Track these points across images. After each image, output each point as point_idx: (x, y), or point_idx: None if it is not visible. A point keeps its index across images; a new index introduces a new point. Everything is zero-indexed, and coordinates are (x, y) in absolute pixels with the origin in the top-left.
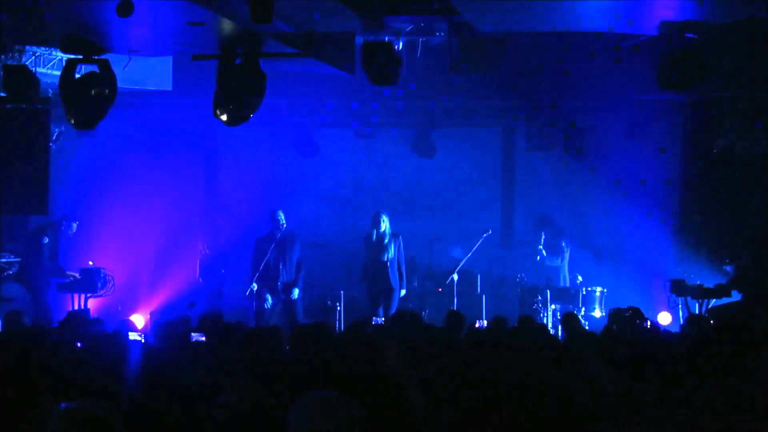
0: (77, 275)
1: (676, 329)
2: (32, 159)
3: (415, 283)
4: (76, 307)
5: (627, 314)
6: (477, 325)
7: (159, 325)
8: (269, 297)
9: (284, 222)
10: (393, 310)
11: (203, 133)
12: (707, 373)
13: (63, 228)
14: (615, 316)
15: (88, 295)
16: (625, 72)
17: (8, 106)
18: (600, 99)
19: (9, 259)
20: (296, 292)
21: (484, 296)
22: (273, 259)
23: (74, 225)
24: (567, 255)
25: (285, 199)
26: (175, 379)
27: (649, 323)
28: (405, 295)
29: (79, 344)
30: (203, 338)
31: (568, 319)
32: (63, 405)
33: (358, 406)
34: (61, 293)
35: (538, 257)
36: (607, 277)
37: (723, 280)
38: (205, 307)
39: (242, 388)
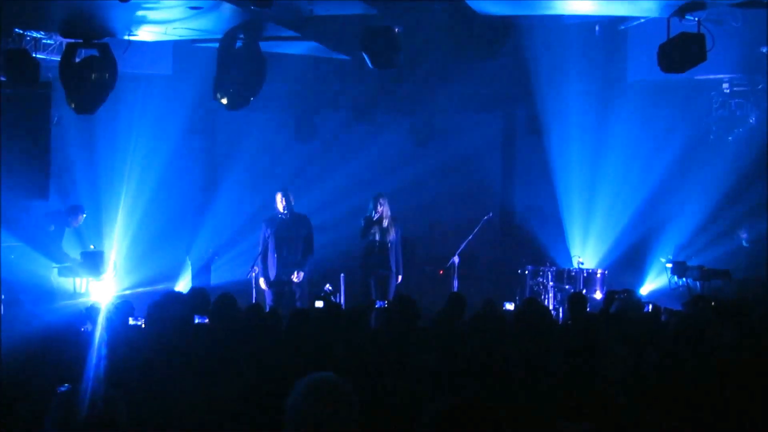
0: (79, 259)
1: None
2: (33, 144)
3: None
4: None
5: (622, 296)
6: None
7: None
8: (268, 279)
9: (291, 204)
10: (391, 295)
11: (203, 117)
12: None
13: (70, 219)
14: (611, 297)
15: (90, 279)
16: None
17: (8, 90)
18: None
19: (10, 244)
20: (297, 275)
21: (484, 279)
22: (276, 242)
23: (81, 217)
24: None
25: (284, 183)
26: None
27: (651, 306)
28: (402, 281)
29: None
30: (206, 321)
31: (576, 300)
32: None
33: (354, 389)
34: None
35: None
36: (607, 259)
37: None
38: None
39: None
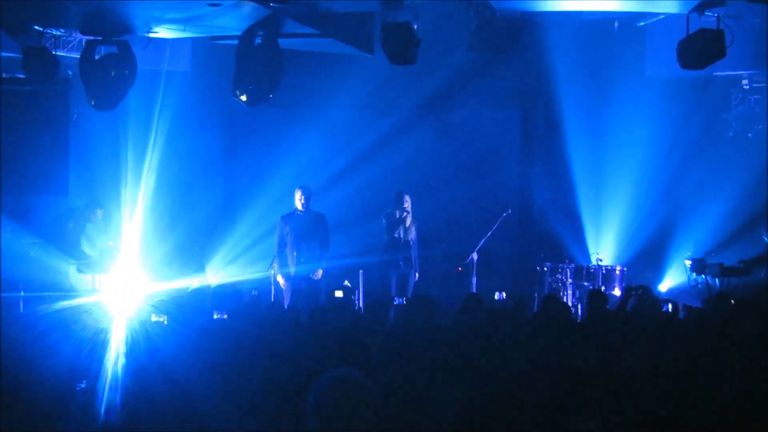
0: (97, 255)
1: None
2: (52, 140)
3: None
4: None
5: (638, 292)
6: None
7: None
8: (287, 276)
9: (309, 201)
10: (410, 292)
11: (222, 113)
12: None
13: (87, 215)
14: (627, 294)
15: (103, 275)
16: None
17: (28, 87)
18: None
19: (30, 241)
20: (315, 272)
21: (503, 276)
22: (294, 239)
23: (99, 212)
24: None
25: (303, 180)
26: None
27: (671, 306)
28: (419, 278)
29: None
30: (225, 316)
31: (595, 297)
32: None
33: (374, 385)
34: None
35: None
36: (626, 256)
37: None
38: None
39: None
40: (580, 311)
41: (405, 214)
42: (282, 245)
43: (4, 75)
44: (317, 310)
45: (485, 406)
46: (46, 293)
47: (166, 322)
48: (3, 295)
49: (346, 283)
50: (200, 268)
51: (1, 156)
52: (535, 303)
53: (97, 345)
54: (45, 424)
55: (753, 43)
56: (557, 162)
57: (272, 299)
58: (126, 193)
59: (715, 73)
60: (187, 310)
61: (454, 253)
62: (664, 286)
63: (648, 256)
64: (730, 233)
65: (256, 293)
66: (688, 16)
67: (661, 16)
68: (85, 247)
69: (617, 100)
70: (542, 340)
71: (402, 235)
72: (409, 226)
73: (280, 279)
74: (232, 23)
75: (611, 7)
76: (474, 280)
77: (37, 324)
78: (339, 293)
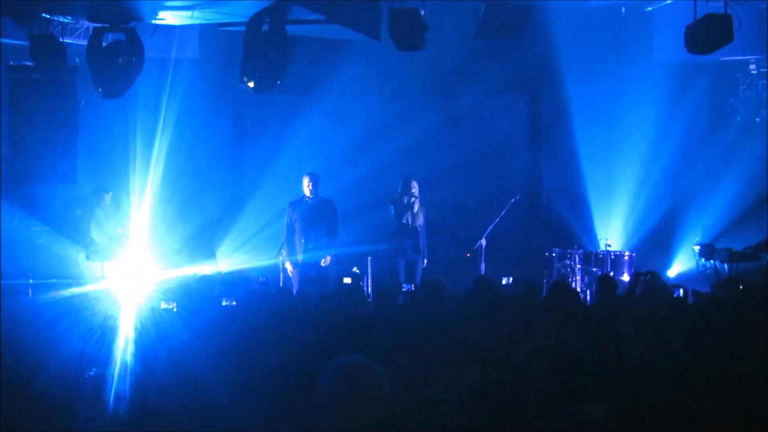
0: (106, 242)
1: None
2: (60, 128)
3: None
4: (102, 274)
5: (646, 278)
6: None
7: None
8: (295, 263)
9: (317, 187)
10: (418, 278)
11: (230, 99)
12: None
13: (96, 200)
14: (636, 279)
15: (114, 262)
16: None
17: (36, 75)
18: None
19: (38, 228)
20: (323, 259)
21: (511, 261)
22: (302, 225)
23: (107, 196)
24: None
25: (311, 166)
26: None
27: (682, 291)
28: (427, 264)
29: None
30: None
31: (604, 282)
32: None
33: (383, 371)
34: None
35: None
36: (634, 242)
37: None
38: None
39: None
40: (588, 297)
41: (413, 200)
42: (291, 232)
43: (11, 63)
44: (326, 296)
45: (494, 391)
46: (54, 280)
47: (175, 309)
48: (12, 282)
49: (354, 269)
50: (211, 254)
51: (10, 144)
52: (544, 289)
53: (106, 332)
54: (55, 410)
55: (760, 28)
56: (565, 147)
57: (281, 285)
58: (135, 181)
59: (722, 58)
60: (196, 297)
61: (462, 240)
62: (672, 271)
63: (656, 241)
64: (739, 218)
65: (264, 279)
66: (695, 1)
67: (669, 2)
68: (95, 234)
69: (624, 86)
70: (552, 326)
71: (410, 221)
72: (417, 212)
73: (288, 266)
74: (239, 9)
75: None
76: (482, 266)
77: (46, 311)
78: (347, 280)
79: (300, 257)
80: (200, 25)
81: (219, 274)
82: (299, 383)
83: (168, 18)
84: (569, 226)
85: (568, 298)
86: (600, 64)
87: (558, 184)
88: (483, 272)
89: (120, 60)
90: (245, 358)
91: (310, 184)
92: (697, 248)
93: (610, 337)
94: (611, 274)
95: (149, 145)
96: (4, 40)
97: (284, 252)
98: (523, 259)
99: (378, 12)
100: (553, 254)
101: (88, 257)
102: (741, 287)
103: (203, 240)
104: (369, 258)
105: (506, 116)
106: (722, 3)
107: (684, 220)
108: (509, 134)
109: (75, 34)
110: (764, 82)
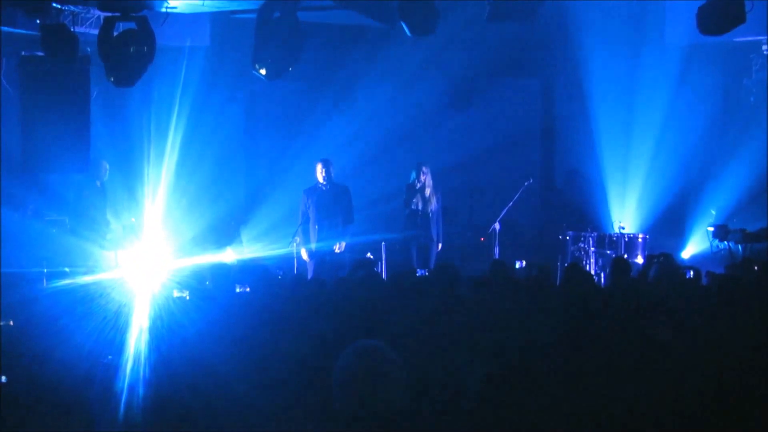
0: (119, 231)
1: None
2: (72, 118)
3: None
4: (116, 263)
5: (660, 259)
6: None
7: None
8: (310, 250)
9: (330, 173)
10: (432, 263)
11: (242, 87)
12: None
13: (96, 174)
14: (650, 261)
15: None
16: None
17: (48, 65)
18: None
19: (55, 218)
20: (338, 245)
21: (525, 245)
22: (317, 212)
23: (105, 166)
24: None
25: (324, 153)
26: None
27: (692, 272)
28: (442, 248)
29: None
30: (247, 289)
31: (619, 265)
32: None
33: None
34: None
35: None
36: (648, 224)
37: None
38: None
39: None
40: (603, 280)
41: (420, 185)
42: (305, 219)
43: (23, 53)
44: (341, 281)
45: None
46: (68, 269)
47: (188, 298)
48: (27, 270)
49: (368, 255)
50: (238, 240)
51: (22, 133)
52: (558, 272)
53: (120, 320)
54: (71, 395)
55: None
56: (578, 131)
57: (295, 272)
58: (149, 170)
59: (735, 39)
60: (209, 285)
61: (476, 225)
62: (686, 253)
63: (670, 223)
64: (753, 199)
65: (281, 275)
66: None
67: None
68: (110, 219)
69: (637, 67)
70: (568, 310)
71: (421, 207)
72: (429, 196)
73: (303, 253)
74: None
75: None
76: (497, 250)
77: (60, 299)
78: (370, 255)
79: (314, 245)
80: (211, 13)
81: (235, 262)
82: (314, 370)
83: (179, 6)
84: (583, 209)
85: (582, 281)
86: (613, 45)
87: (571, 166)
88: (497, 256)
89: (131, 49)
90: (259, 346)
91: (323, 170)
92: (711, 229)
93: (626, 320)
94: (625, 256)
95: (162, 132)
96: (16, 31)
97: (298, 238)
98: (537, 243)
99: None
100: (567, 237)
101: (101, 246)
102: (756, 268)
103: (230, 227)
104: (383, 243)
105: (520, 100)
106: None
107: (697, 201)
108: (523, 118)
109: (86, 24)
110: None
